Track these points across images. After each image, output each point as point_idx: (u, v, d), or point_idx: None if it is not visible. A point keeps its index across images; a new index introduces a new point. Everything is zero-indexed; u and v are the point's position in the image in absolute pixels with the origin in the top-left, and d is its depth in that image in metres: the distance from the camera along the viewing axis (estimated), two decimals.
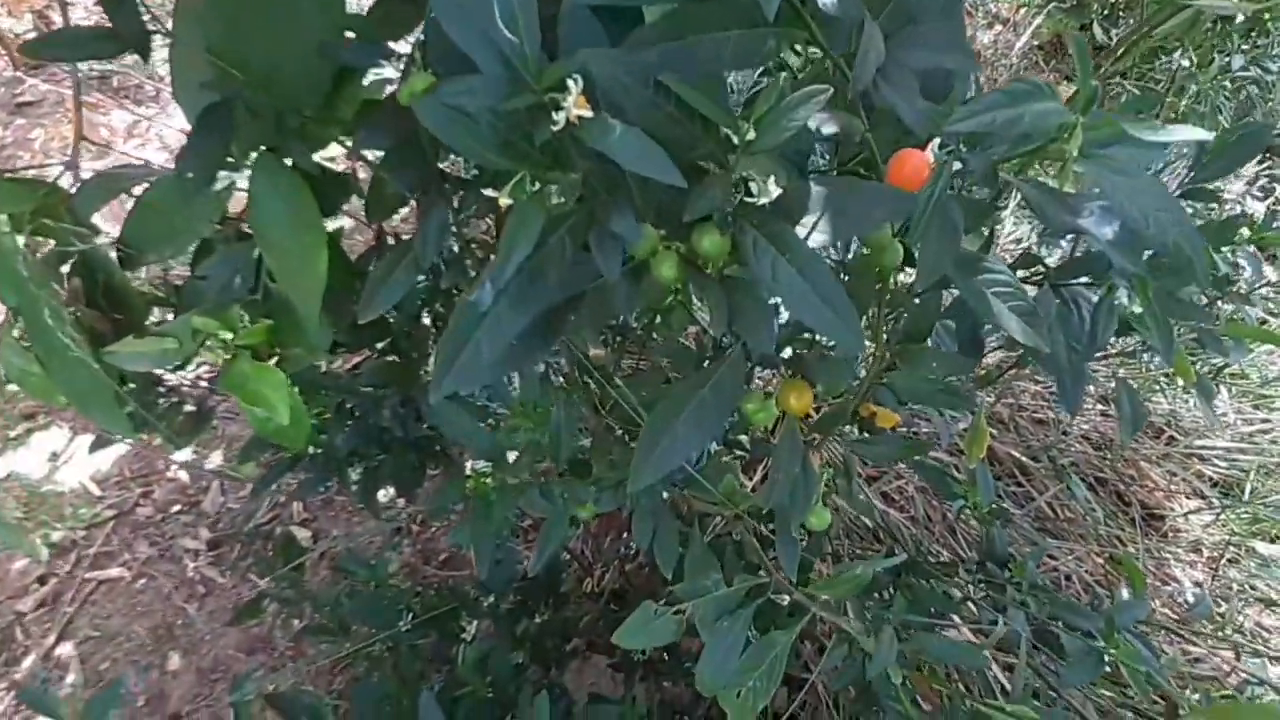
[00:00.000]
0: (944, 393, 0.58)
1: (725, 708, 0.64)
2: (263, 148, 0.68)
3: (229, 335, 0.69)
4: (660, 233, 0.41)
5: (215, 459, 2.01)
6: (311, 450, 1.14)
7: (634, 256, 0.42)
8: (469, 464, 0.69)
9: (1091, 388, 2.10)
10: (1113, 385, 2.13)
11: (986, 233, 0.60)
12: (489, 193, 0.36)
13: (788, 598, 0.65)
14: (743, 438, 0.91)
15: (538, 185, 0.37)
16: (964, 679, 0.78)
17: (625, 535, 1.72)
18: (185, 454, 2.01)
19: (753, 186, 0.39)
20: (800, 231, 0.39)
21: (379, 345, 1.03)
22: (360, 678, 1.07)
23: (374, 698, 0.83)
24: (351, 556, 1.15)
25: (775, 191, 0.38)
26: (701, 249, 0.40)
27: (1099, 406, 2.14)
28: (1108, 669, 0.85)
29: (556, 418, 0.63)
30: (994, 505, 1.03)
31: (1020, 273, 0.77)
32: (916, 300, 0.53)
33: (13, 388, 2.17)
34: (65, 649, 1.64)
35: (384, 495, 1.97)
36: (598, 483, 0.67)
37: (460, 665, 0.90)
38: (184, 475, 1.97)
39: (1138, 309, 0.66)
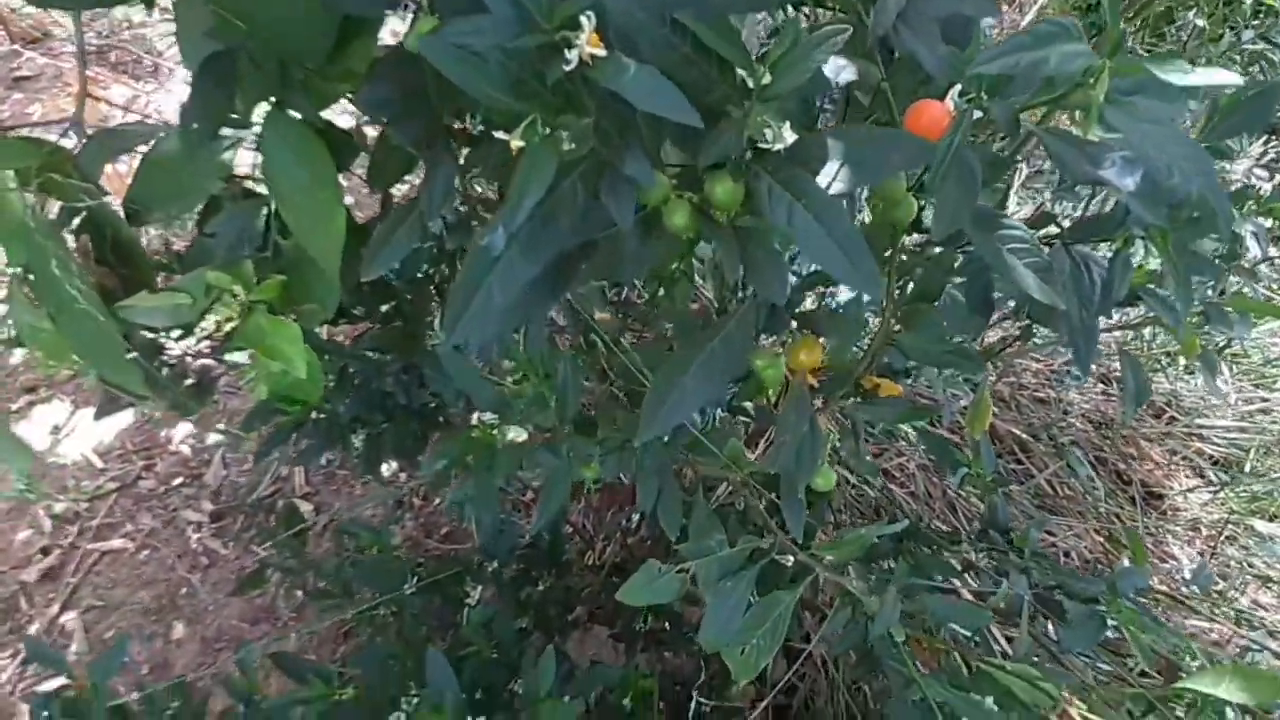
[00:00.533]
0: (953, 354, 0.58)
1: (729, 665, 0.65)
2: (271, 102, 0.67)
3: (242, 290, 0.69)
4: (672, 181, 0.41)
5: (217, 433, 2.01)
6: (314, 416, 1.14)
7: (646, 205, 0.42)
8: (475, 416, 0.69)
9: (1093, 367, 2.10)
10: (1114, 364, 2.14)
11: (1001, 190, 0.59)
12: (500, 136, 0.36)
13: (791, 559, 0.65)
14: (748, 404, 0.91)
15: (549, 129, 0.37)
16: (964, 649, 0.79)
17: (626, 509, 1.73)
18: (187, 427, 2.01)
19: (767, 134, 0.38)
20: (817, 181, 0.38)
21: (383, 310, 1.02)
22: (364, 644, 1.08)
23: (379, 659, 0.84)
24: (355, 522, 1.16)
25: (790, 138, 0.38)
26: (715, 197, 0.40)
27: (1100, 386, 2.15)
28: (1110, 634, 0.86)
29: (563, 374, 0.63)
30: (996, 475, 1.04)
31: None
32: (928, 259, 0.53)
33: (15, 360, 2.17)
34: (69, 618, 1.65)
35: (386, 469, 1.98)
36: (603, 441, 0.67)
37: (465, 627, 0.90)
38: (186, 449, 1.97)
39: (1154, 263, 0.66)
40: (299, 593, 1.63)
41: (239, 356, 1.11)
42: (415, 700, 0.75)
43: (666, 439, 0.80)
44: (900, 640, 0.64)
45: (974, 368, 0.57)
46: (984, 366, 0.58)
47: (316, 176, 0.70)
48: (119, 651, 0.76)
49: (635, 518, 1.67)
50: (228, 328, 0.75)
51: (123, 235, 0.80)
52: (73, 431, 1.99)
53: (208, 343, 1.17)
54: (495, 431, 0.65)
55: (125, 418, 2.02)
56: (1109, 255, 0.68)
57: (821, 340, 0.50)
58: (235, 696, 0.84)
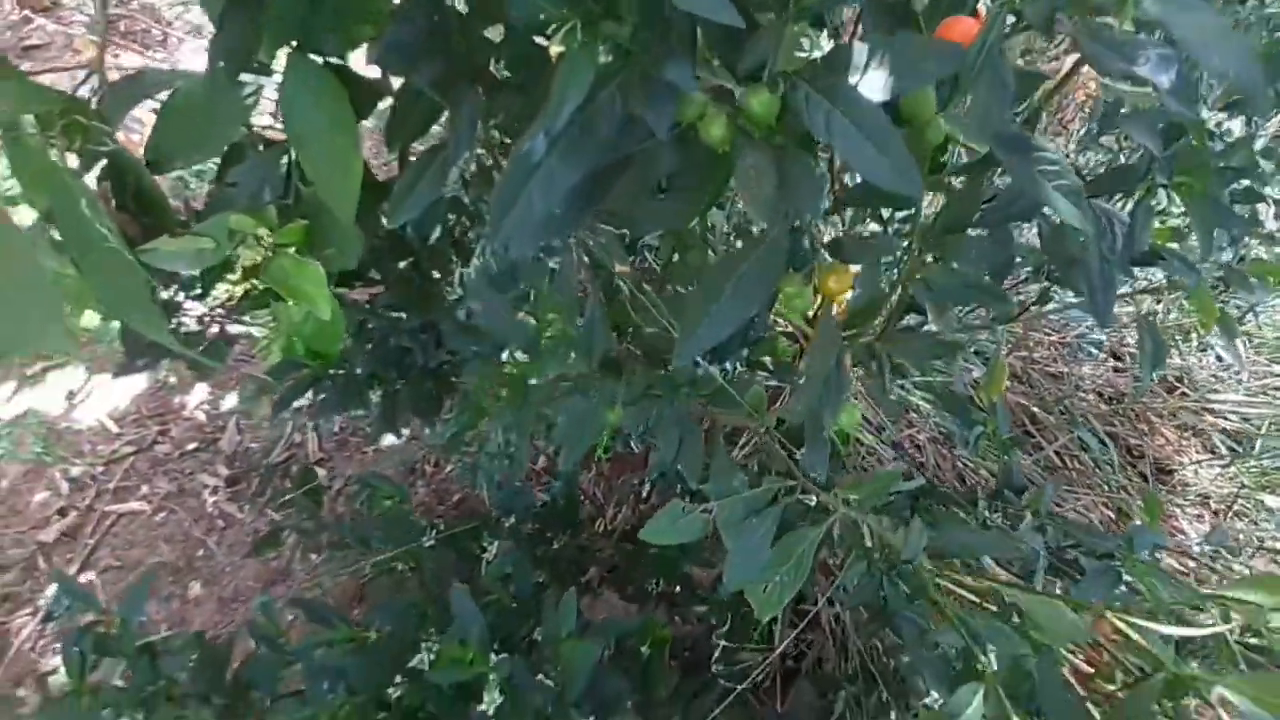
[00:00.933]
0: (981, 290, 0.58)
1: (752, 602, 0.65)
2: (293, 45, 0.67)
3: (266, 234, 0.69)
4: (707, 97, 0.41)
5: (231, 400, 2.02)
6: (332, 373, 1.15)
7: (682, 122, 0.42)
8: (506, 353, 0.69)
9: (1104, 339, 2.10)
10: (1126, 339, 2.13)
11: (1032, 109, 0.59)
12: (539, 41, 0.36)
13: (814, 499, 0.66)
14: (766, 359, 0.91)
15: (588, 37, 0.37)
16: (991, 577, 0.79)
17: (636, 477, 1.74)
18: (201, 393, 2.03)
19: (804, 42, 0.38)
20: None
21: (400, 266, 1.03)
22: (380, 603, 1.09)
23: (399, 609, 0.85)
24: (375, 475, 1.17)
25: (827, 46, 0.38)
26: (751, 110, 0.40)
27: (1111, 362, 2.14)
28: (1123, 588, 0.86)
29: (590, 314, 0.63)
30: (1011, 436, 1.04)
31: None
32: (958, 191, 0.53)
33: None
34: (88, 578, 1.67)
35: (398, 437, 1.99)
36: (628, 385, 0.68)
37: (484, 577, 0.91)
38: (201, 414, 1.98)
39: (1175, 220, 0.65)
40: (314, 556, 1.65)
41: (258, 320, 1.12)
42: (438, 641, 0.77)
43: (688, 388, 0.80)
44: (929, 568, 0.64)
45: (1001, 305, 0.57)
46: (1010, 303, 0.58)
47: (335, 121, 0.70)
48: (145, 588, 0.78)
49: (646, 486, 1.68)
50: (242, 288, 0.75)
51: (144, 183, 0.80)
52: (88, 397, 2.00)
53: (228, 295, 1.17)
54: (527, 369, 0.66)
55: (140, 383, 2.03)
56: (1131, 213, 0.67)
57: (852, 268, 0.50)
58: (259, 639, 0.85)
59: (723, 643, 0.98)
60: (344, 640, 0.78)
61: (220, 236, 0.73)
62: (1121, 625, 0.48)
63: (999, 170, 0.54)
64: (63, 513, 1.77)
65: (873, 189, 0.44)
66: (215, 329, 1.35)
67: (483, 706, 0.66)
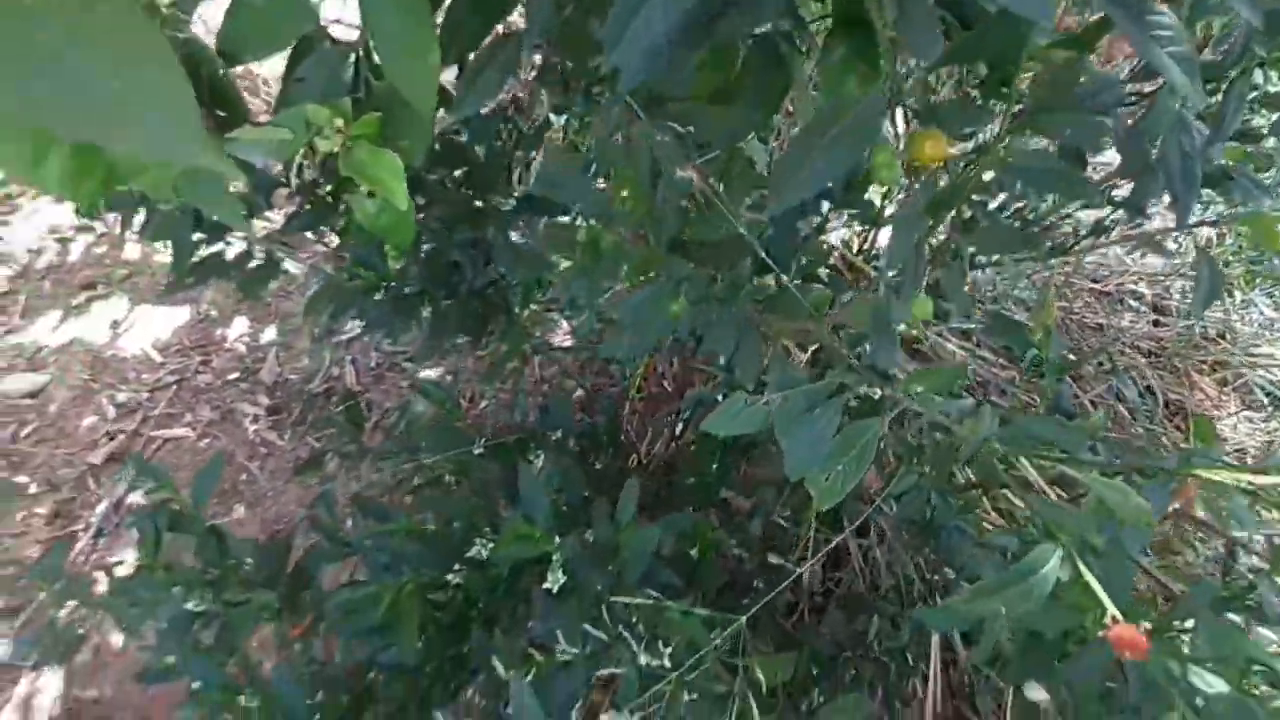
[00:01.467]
0: (1062, 177, 0.57)
1: (811, 492, 0.66)
2: None
3: (342, 125, 0.70)
4: None
5: (270, 333, 2.05)
6: (382, 289, 1.16)
7: None
8: (579, 220, 0.70)
9: (1146, 291, 2.07)
10: (1165, 292, 2.10)
11: None
12: None
13: (878, 393, 0.66)
14: (821, 271, 0.91)
15: None
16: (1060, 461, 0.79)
17: (671, 414, 1.75)
18: (242, 326, 2.06)
19: None
20: None
21: (454, 174, 1.03)
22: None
23: (452, 505, 0.87)
24: (425, 381, 1.18)
25: None
26: None
27: (1151, 316, 2.11)
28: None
29: (662, 192, 0.63)
30: (1061, 358, 1.03)
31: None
32: (1052, 68, 0.52)
33: (74, 258, 2.21)
34: (135, 498, 1.71)
35: (436, 372, 2.01)
36: (699, 260, 0.68)
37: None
38: (241, 346, 2.02)
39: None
40: (355, 483, 1.68)
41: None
42: (492, 539, 0.78)
43: (745, 289, 0.80)
44: (1002, 454, 0.64)
45: (1082, 191, 0.56)
46: (1093, 191, 0.57)
47: (411, 10, 0.70)
48: (216, 470, 0.80)
49: (680, 424, 1.69)
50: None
51: (218, 75, 0.81)
52: (131, 327, 2.04)
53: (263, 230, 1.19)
54: (601, 232, 0.66)
55: (181, 315, 2.07)
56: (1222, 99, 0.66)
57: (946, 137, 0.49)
58: (318, 531, 0.87)
59: (772, 555, 1.00)
60: (402, 530, 0.80)
61: (298, 128, 0.73)
62: (1216, 478, 0.48)
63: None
64: (110, 436, 1.81)
65: (977, 42, 0.43)
66: (260, 256, 1.37)
67: (546, 584, 0.68)
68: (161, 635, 0.85)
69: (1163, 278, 2.06)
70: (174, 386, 1.92)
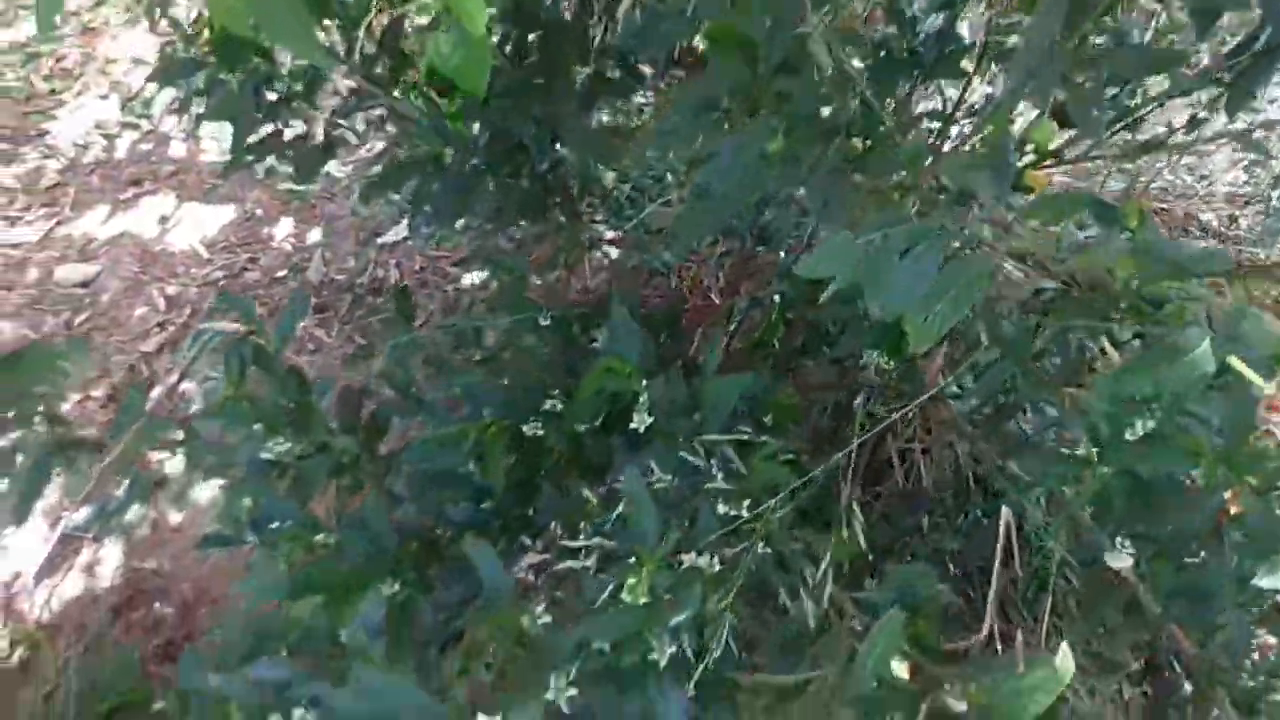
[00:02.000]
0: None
1: (907, 331, 0.64)
2: None
3: None
4: None
5: (316, 234, 2.05)
6: (447, 160, 1.14)
7: None
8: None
9: (1212, 218, 2.00)
10: (1233, 223, 2.03)
11: None
12: None
13: (985, 230, 0.64)
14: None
15: None
16: None
17: (721, 323, 1.73)
18: (288, 226, 2.06)
19: None
20: None
21: (529, 38, 1.00)
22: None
23: (524, 363, 0.87)
24: (495, 249, 1.18)
25: None
26: None
27: (1214, 245, 2.05)
28: None
29: (770, 28, 0.60)
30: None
31: None
32: None
33: (120, 154, 2.21)
34: (188, 386, 1.74)
35: (480, 277, 2.00)
36: (789, 115, 0.65)
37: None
38: (288, 245, 2.02)
39: None
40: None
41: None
42: (563, 399, 0.78)
43: (830, 149, 0.78)
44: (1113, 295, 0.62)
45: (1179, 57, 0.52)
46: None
47: None
48: (304, 305, 0.80)
49: (732, 327, 1.68)
50: None
51: None
52: (179, 223, 2.05)
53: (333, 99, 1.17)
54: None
55: (228, 214, 2.07)
56: None
57: None
58: (390, 384, 0.88)
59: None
60: (479, 381, 0.80)
61: None
62: None
63: None
64: (161, 326, 1.83)
65: None
66: (319, 133, 1.35)
67: (633, 424, 0.67)
68: (238, 482, 0.87)
69: (1230, 205, 1.99)
70: (222, 282, 1.93)
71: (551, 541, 0.73)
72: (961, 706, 0.64)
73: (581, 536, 0.66)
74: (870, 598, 0.79)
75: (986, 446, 1.01)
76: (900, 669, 0.66)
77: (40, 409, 0.79)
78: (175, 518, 1.53)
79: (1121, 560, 0.75)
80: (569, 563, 0.61)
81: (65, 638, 1.39)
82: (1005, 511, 0.95)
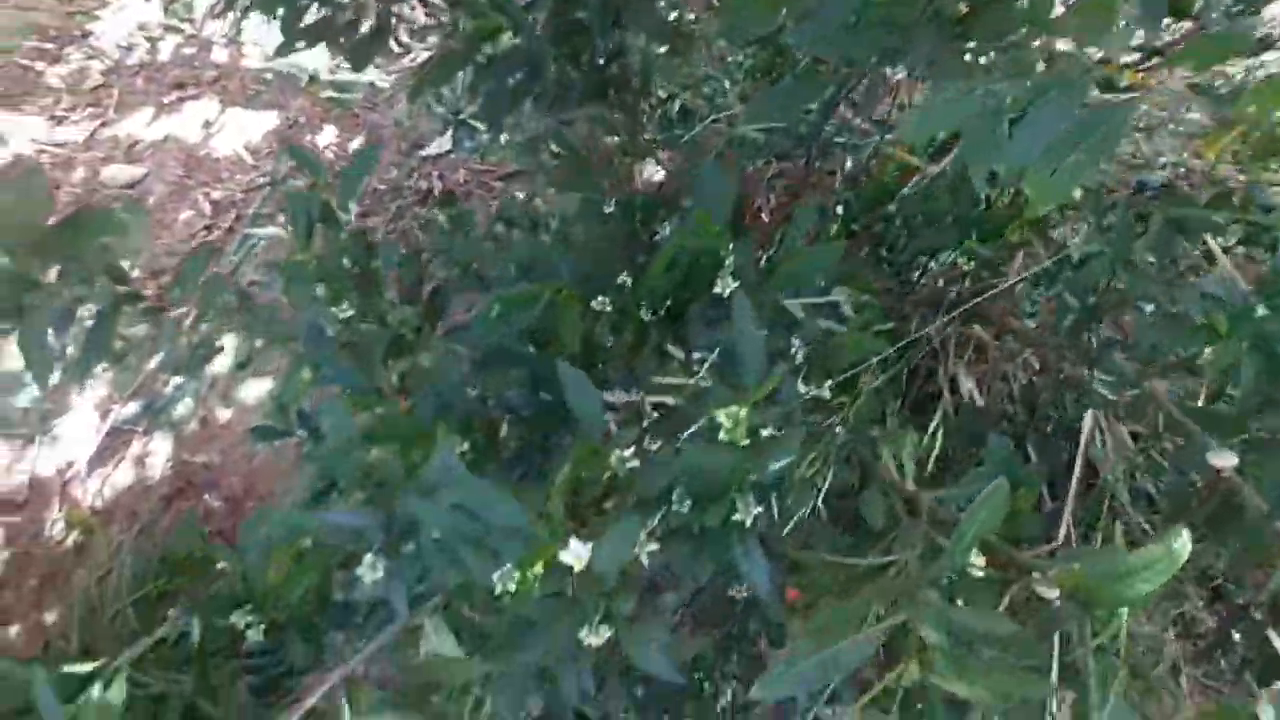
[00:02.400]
0: None
1: (1029, 190, 0.60)
2: None
3: None
4: None
5: (357, 143, 2.01)
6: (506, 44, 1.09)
7: None
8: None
9: None
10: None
11: None
12: None
13: (1123, 78, 0.58)
14: None
15: None
16: None
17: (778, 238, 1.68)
18: (331, 133, 2.02)
19: None
20: None
21: None
22: None
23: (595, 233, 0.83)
24: (557, 133, 1.14)
25: None
26: None
27: None
28: None
29: None
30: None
31: None
32: None
33: (164, 57, 2.16)
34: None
35: (521, 194, 1.95)
36: None
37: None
38: (330, 154, 1.98)
39: None
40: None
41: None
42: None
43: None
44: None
45: None
46: None
47: None
48: (373, 156, 0.77)
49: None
50: None
51: None
52: (223, 129, 2.02)
53: None
54: None
55: (271, 120, 2.03)
56: None
57: None
58: (454, 260, 0.85)
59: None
60: (547, 247, 0.77)
61: None
62: None
63: None
64: (208, 229, 1.82)
65: None
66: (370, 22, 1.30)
67: (717, 289, 0.64)
68: (296, 357, 0.85)
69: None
70: (266, 188, 1.91)
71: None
72: (1052, 593, 0.61)
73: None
74: (950, 496, 0.76)
75: (1071, 353, 0.96)
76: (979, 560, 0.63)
77: (104, 263, 0.78)
78: (224, 415, 1.54)
79: (1227, 459, 0.71)
80: (661, 396, 0.58)
81: (118, 524, 1.41)
82: (1089, 415, 0.91)
